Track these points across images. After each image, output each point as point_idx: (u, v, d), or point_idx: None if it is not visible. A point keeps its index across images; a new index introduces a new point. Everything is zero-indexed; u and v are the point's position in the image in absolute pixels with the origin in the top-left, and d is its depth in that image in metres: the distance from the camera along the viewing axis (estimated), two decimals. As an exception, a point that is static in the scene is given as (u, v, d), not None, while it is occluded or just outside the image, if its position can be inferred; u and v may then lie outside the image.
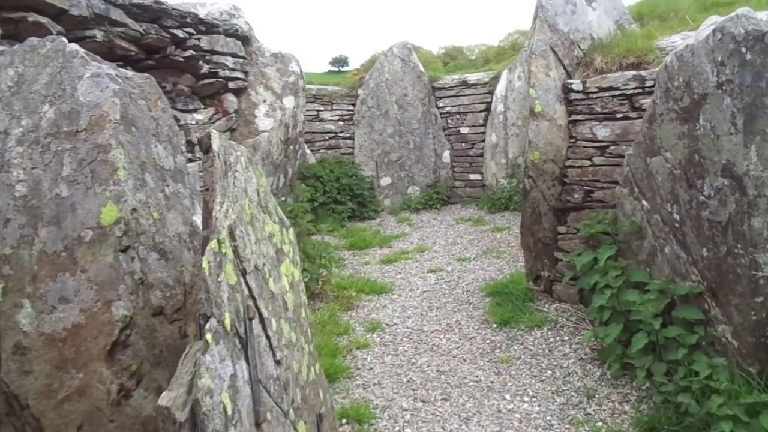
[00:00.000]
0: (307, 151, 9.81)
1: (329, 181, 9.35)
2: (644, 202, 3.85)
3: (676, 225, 3.54)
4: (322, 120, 10.29)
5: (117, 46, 3.82)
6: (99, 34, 3.59)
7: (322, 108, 10.27)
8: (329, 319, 5.01)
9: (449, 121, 10.38)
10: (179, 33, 4.36)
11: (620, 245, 4.08)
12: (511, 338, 4.52)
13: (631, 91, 4.26)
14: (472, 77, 10.21)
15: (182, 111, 4.70)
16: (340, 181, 9.48)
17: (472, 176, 10.30)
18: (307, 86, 10.24)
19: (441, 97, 10.41)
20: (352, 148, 10.38)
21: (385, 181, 10.33)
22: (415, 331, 4.84)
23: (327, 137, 10.32)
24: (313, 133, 10.22)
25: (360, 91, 10.30)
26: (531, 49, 4.68)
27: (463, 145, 10.31)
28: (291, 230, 2.63)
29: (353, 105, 10.39)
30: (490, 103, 9.89)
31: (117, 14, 3.74)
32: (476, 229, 8.52)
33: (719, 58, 2.88)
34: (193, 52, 4.48)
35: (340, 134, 10.37)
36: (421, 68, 10.27)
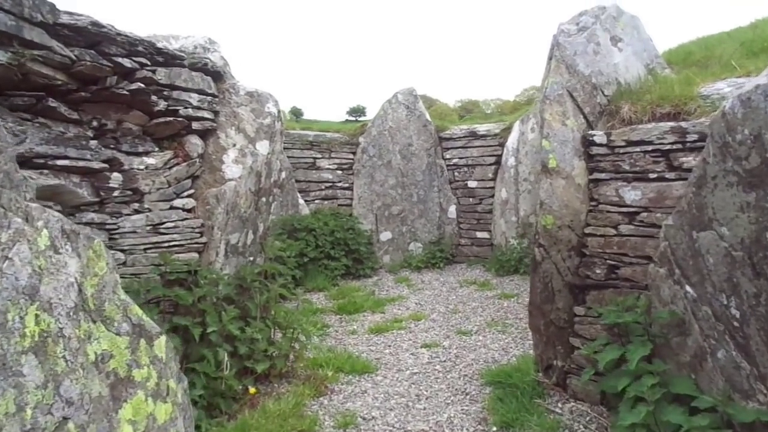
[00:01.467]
0: (300, 201, 9.08)
1: (322, 234, 8.56)
2: (689, 288, 2.97)
3: (735, 324, 2.66)
4: (318, 168, 9.59)
5: (34, 72, 3.12)
6: (2, 57, 2.88)
7: (319, 155, 9.58)
8: (293, 409, 4.11)
9: (456, 173, 9.63)
10: (125, 62, 3.67)
11: (655, 340, 3.19)
12: (515, 449, 3.58)
13: (668, 147, 3.45)
14: (482, 128, 9.51)
15: (127, 153, 3.96)
16: (334, 234, 8.69)
17: (480, 234, 9.47)
18: (305, 132, 9.61)
19: (448, 148, 9.70)
20: (351, 199, 9.63)
21: (385, 236, 9.52)
22: (397, 430, 3.91)
23: (323, 187, 9.60)
24: (309, 182, 9.50)
25: (361, 139, 9.63)
26: (545, 93, 3.92)
27: (471, 200, 9.52)
28: (162, 340, 1.80)
29: (353, 153, 9.70)
30: (500, 155, 9.15)
31: (35, 34, 3.05)
32: (481, 294, 7.62)
33: (808, 103, 2.08)
34: (142, 86, 3.77)
35: (338, 184, 9.65)
36: (428, 117, 9.60)
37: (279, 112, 4.92)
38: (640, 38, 4.24)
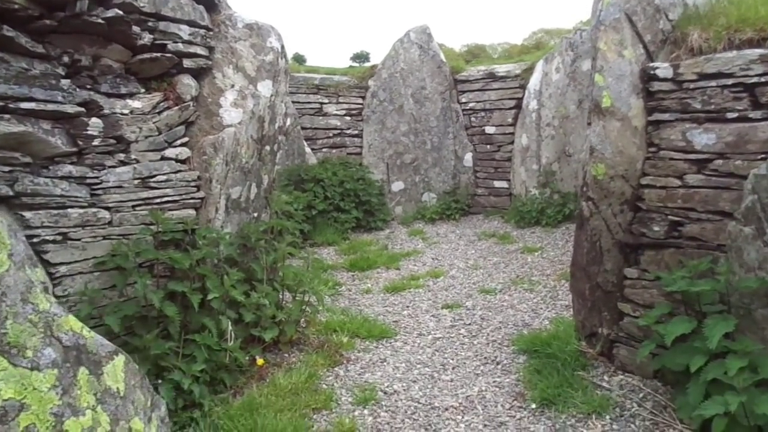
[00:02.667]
0: (307, 149, 8.51)
1: (331, 185, 8.03)
2: (785, 251, 2.45)
3: None
4: (326, 114, 8.96)
5: (-18, -9, 2.53)
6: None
7: (326, 101, 8.93)
8: (306, 382, 3.68)
9: (473, 119, 8.99)
10: (99, -17, 3.07)
11: (738, 312, 2.69)
12: None
13: (754, 80, 2.86)
14: (501, 69, 8.81)
15: (108, 95, 3.38)
16: (344, 185, 8.15)
17: (498, 183, 8.91)
18: (310, 75, 8.94)
19: (464, 92, 9.02)
20: (360, 147, 9.04)
21: (397, 186, 8.99)
22: (423, 407, 3.49)
23: (331, 134, 8.99)
24: (315, 129, 8.89)
25: (370, 83, 8.95)
26: (599, 18, 3.29)
27: (488, 147, 8.91)
28: (117, 362, 1.30)
29: (362, 98, 9.04)
30: (521, 99, 8.48)
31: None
32: (502, 248, 7.13)
33: None
34: (121, 13, 3.16)
35: (347, 131, 9.03)
36: (442, 57, 8.88)
37: (282, 47, 4.30)
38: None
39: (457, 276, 6.17)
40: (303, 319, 4.49)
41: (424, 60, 8.80)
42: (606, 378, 3.58)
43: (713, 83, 3.01)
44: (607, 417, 3.19)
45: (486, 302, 5.27)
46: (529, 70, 8.42)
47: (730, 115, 2.95)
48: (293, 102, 8.40)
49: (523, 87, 8.46)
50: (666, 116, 3.23)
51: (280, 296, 4.35)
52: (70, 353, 1.18)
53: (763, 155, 2.75)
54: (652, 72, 3.26)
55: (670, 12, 3.37)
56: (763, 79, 2.83)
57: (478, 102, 8.90)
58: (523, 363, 3.94)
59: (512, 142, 8.66)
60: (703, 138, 3.06)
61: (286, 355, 4.15)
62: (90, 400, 1.16)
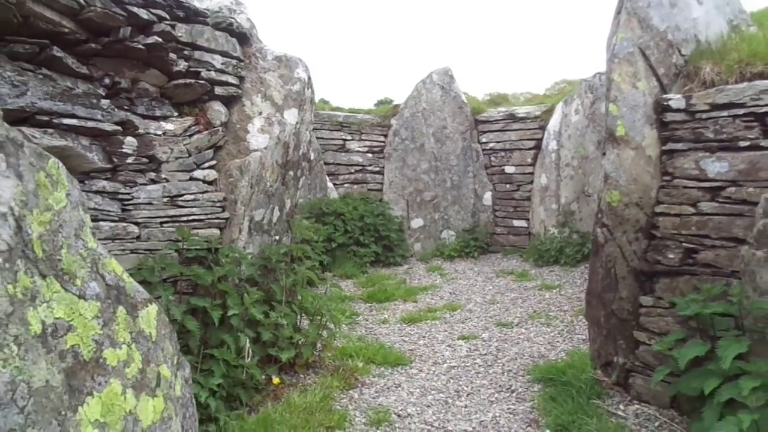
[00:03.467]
0: (329, 184, 8.69)
1: (351, 219, 8.16)
2: (797, 273, 2.48)
3: None
4: (348, 151, 9.18)
5: (36, 14, 2.75)
6: (-2, -9, 2.52)
7: (349, 137, 9.17)
8: (321, 402, 3.71)
9: (493, 158, 9.13)
10: (141, 13, 3.30)
11: (752, 336, 2.70)
12: (573, 456, 3.12)
13: (764, 109, 2.94)
14: (521, 110, 8.98)
15: (143, 117, 3.58)
16: (364, 220, 8.28)
17: (517, 222, 8.96)
18: (334, 113, 9.21)
19: (484, 132, 9.20)
20: (381, 183, 9.20)
21: (417, 222, 9.08)
22: (436, 430, 3.49)
23: (353, 170, 9.19)
24: (338, 164, 9.10)
25: (393, 121, 9.19)
26: (613, 51, 3.42)
27: (508, 186, 9.01)
28: (151, 310, 1.39)
29: (384, 136, 9.27)
30: (540, 139, 8.61)
31: (36, -30, 2.68)
32: (520, 285, 7.13)
33: None
34: (160, 40, 3.39)
35: (368, 168, 9.23)
36: (463, 98, 9.11)
37: (309, 78, 4.51)
38: (723, -9, 3.71)
39: (474, 310, 6.17)
40: (319, 343, 4.54)
41: (446, 100, 9.03)
42: (621, 407, 3.55)
43: (725, 113, 3.09)
44: (622, 444, 3.16)
45: (502, 335, 5.26)
46: (549, 112, 8.58)
47: (742, 144, 3.02)
48: (317, 138, 8.65)
49: (542, 128, 8.61)
50: (679, 146, 3.31)
51: (298, 319, 4.42)
52: (111, 291, 1.27)
53: (775, 181, 2.81)
54: (665, 103, 3.36)
55: (682, 47, 3.49)
56: (773, 109, 2.91)
57: (498, 142, 9.05)
58: (537, 391, 3.92)
59: (531, 182, 8.75)
60: (716, 166, 3.12)
61: (302, 376, 4.19)
62: (126, 336, 1.24)
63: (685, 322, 3.17)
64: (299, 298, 4.45)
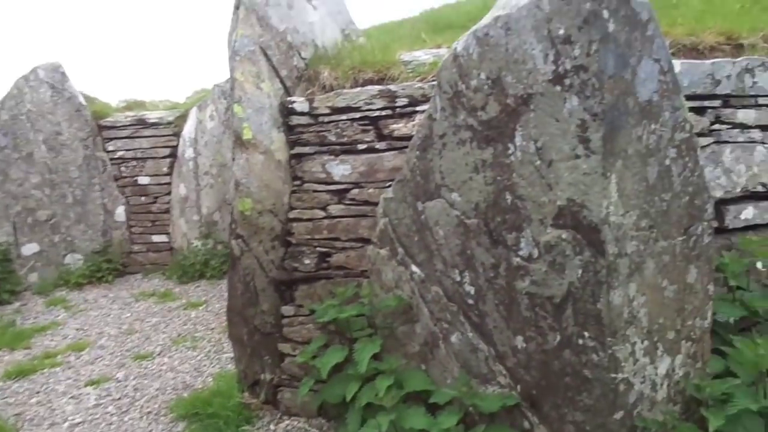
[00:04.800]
0: None
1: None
2: (415, 268, 2.60)
3: (470, 301, 2.36)
4: None
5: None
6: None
7: None
8: None
9: (123, 168, 8.13)
10: None
11: (383, 333, 2.76)
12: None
13: (376, 113, 3.07)
14: (152, 115, 8.23)
15: None
16: (-53, 252, 6.38)
17: (157, 238, 8.17)
18: None
19: (111, 139, 8.11)
20: (-26, 203, 7.27)
21: (30, 248, 7.48)
22: None
23: (-72, 188, 7.03)
24: None
25: (-14, 125, 7.35)
26: (234, 49, 3.17)
27: (143, 198, 8.15)
28: None
29: (-25, 144, 7.35)
30: (176, 147, 8.03)
31: None
32: (163, 306, 6.46)
33: (561, 32, 1.79)
34: None
35: (-47, 184, 7.18)
36: (81, 100, 7.87)
37: None
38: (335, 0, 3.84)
39: (108, 345, 5.28)
40: None
41: (59, 102, 7.66)
42: (272, 426, 3.34)
43: (344, 117, 3.14)
44: (274, 470, 2.94)
45: (142, 369, 4.58)
46: (183, 118, 8.06)
47: (360, 147, 3.11)
48: None
49: (177, 135, 8.04)
50: (307, 149, 3.26)
51: None
52: None
53: (390, 182, 2.94)
54: (290, 106, 3.27)
55: (302, 50, 3.47)
56: (384, 113, 3.06)
57: (128, 150, 8.10)
58: (182, 431, 3.44)
59: (170, 193, 8.09)
60: (341, 169, 3.15)
61: None
62: None
63: (325, 327, 3.13)
64: None
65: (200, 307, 6.24)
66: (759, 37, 3.06)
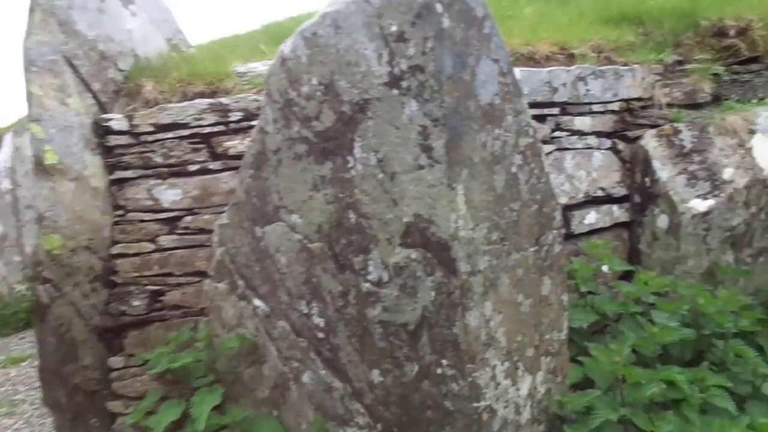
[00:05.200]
0: None
1: None
2: (258, 302, 2.30)
3: (320, 335, 2.10)
4: None
5: None
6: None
7: None
8: None
9: None
10: None
11: (227, 378, 2.41)
12: None
13: (208, 129, 2.74)
14: (-42, 143, 7.09)
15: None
16: None
17: (-32, 285, 7.01)
18: None
19: None
20: None
21: None
22: None
23: None
24: None
25: None
26: (29, 58, 2.67)
27: (-51, 240, 6.96)
28: None
29: None
30: (-11, 179, 6.96)
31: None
32: (-24, 367, 5.47)
33: (394, 28, 1.60)
34: None
35: None
36: None
37: None
38: (159, 6, 3.45)
39: None
40: None
41: None
42: (103, 504, 2.82)
43: (171, 135, 2.77)
44: None
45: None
46: (-3, 145, 7.03)
47: (192, 168, 2.76)
48: None
49: (-10, 165, 6.98)
50: (129, 173, 2.83)
51: None
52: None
53: (227, 206, 2.62)
54: (105, 124, 2.82)
55: (119, 61, 3.03)
56: (216, 129, 2.73)
57: (-74, 185, 6.89)
58: None
59: (-16, 232, 6.98)
60: (170, 194, 2.77)
61: None
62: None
63: (162, 377, 2.69)
64: None
65: (23, 363, 5.38)
66: (588, 47, 3.18)
